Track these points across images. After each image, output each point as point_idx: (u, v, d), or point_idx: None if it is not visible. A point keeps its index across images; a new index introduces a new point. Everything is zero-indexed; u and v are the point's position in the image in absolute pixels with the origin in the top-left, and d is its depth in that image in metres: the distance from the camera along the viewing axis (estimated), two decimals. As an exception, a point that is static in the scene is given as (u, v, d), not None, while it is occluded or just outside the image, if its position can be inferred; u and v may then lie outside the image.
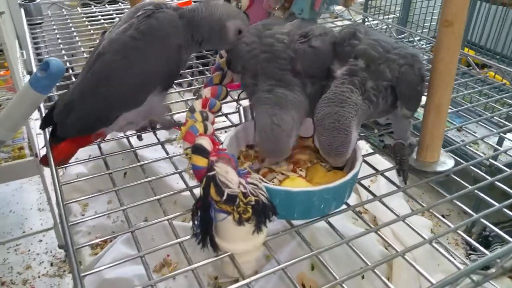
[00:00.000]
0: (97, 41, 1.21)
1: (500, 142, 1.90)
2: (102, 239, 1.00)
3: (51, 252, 2.74)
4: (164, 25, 0.98)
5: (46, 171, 2.50)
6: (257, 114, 0.94)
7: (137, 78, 0.97)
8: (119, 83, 0.96)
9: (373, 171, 1.06)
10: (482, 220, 0.91)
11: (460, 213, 2.72)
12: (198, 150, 0.78)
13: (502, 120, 1.31)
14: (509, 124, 1.25)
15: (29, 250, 2.74)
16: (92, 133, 1.02)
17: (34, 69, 1.46)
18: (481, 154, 2.73)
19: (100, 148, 1.12)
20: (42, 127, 1.06)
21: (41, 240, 2.82)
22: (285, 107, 0.90)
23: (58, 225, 2.57)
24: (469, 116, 1.31)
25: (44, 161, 1.01)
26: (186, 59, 1.09)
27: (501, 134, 1.23)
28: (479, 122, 1.33)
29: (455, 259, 0.82)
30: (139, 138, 1.17)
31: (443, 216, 3.00)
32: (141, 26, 0.97)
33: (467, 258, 2.34)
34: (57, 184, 0.93)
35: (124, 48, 0.96)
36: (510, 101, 1.39)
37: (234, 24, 1.06)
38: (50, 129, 1.03)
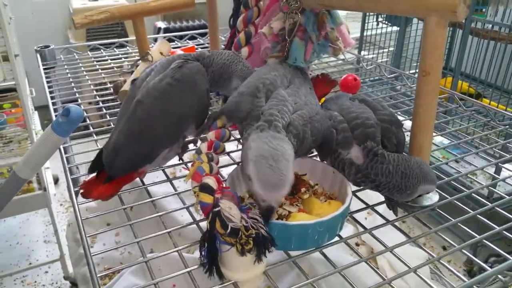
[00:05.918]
0: (123, 84, 1.36)
1: (497, 171, 2.00)
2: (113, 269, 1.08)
3: (56, 283, 2.80)
4: (194, 74, 1.16)
5: (53, 204, 2.58)
6: (247, 145, 0.90)
7: (175, 119, 1.12)
8: (160, 125, 1.10)
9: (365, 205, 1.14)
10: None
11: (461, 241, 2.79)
12: (205, 188, 0.88)
13: (498, 151, 1.43)
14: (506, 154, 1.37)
15: (35, 282, 2.79)
16: (136, 170, 1.14)
17: (51, 107, 1.58)
18: (478, 185, 2.81)
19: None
20: (90, 171, 1.13)
21: (47, 272, 2.88)
22: (279, 138, 0.90)
23: (64, 257, 2.63)
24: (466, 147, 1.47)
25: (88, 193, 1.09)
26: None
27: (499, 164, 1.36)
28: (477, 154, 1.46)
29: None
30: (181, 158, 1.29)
31: (444, 248, 2.95)
32: (175, 75, 1.13)
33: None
34: (80, 220, 1.04)
35: (162, 94, 1.11)
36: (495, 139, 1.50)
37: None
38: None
